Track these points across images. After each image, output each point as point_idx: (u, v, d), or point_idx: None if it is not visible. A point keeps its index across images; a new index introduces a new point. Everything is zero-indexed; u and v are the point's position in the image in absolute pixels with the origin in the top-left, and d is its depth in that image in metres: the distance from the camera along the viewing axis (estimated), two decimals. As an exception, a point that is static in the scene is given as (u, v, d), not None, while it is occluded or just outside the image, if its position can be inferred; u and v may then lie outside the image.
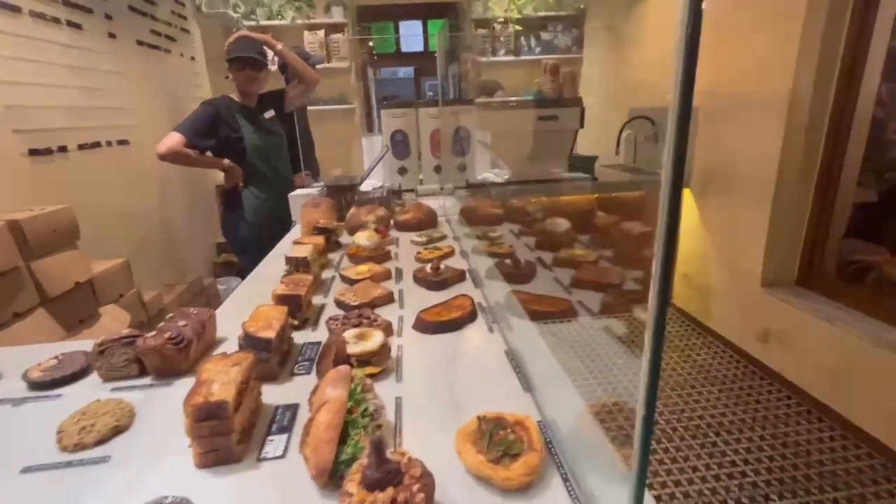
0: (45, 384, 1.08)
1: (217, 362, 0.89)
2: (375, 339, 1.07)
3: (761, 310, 2.70)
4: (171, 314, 1.20)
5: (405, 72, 8.46)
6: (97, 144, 2.77)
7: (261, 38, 2.69)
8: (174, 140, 2.38)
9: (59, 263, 2.00)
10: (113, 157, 2.92)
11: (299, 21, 5.03)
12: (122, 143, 3.00)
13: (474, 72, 4.71)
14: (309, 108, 4.35)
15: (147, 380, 1.09)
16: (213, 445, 0.80)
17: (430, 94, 7.52)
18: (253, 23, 4.81)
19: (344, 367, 0.94)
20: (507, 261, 1.79)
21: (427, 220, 2.33)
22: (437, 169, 3.17)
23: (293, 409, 0.95)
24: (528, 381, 1.00)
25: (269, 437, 0.88)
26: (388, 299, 1.45)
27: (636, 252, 1.95)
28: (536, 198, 2.97)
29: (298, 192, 2.63)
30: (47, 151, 2.37)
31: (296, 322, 1.30)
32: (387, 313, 1.35)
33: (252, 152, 2.70)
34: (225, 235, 2.90)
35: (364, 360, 1.04)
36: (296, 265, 1.53)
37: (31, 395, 1.05)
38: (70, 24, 2.65)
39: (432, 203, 2.50)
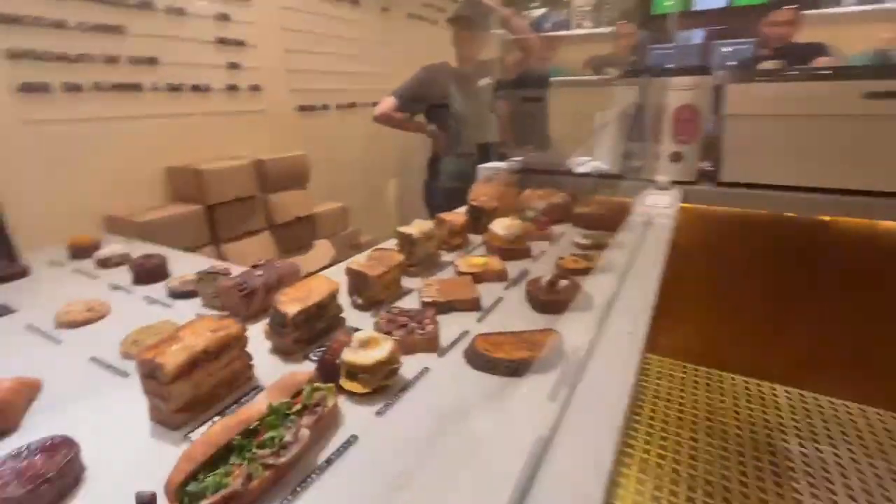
0: (175, 293, 1.31)
1: (203, 322, 0.87)
2: (377, 351, 0.86)
3: None
4: (262, 261, 1.27)
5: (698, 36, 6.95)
6: (353, 105, 3.27)
7: (487, 1, 2.58)
8: (387, 104, 2.57)
9: (288, 198, 2.47)
10: (363, 116, 3.41)
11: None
12: (375, 104, 3.47)
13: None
14: (553, 78, 4.07)
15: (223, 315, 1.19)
16: (153, 403, 0.79)
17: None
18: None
19: (297, 376, 0.79)
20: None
21: (611, 219, 1.83)
22: (676, 157, 2.48)
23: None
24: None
25: (216, 417, 0.81)
26: (470, 305, 1.18)
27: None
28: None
29: (490, 164, 2.49)
30: (312, 108, 2.93)
31: (360, 301, 1.20)
32: (455, 323, 1.11)
33: (457, 119, 2.69)
34: (424, 201, 3.05)
35: (352, 372, 0.85)
36: (401, 242, 1.42)
37: (161, 299, 1.30)
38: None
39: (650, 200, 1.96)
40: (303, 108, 2.89)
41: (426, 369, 0.94)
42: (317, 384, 0.79)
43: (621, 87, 2.61)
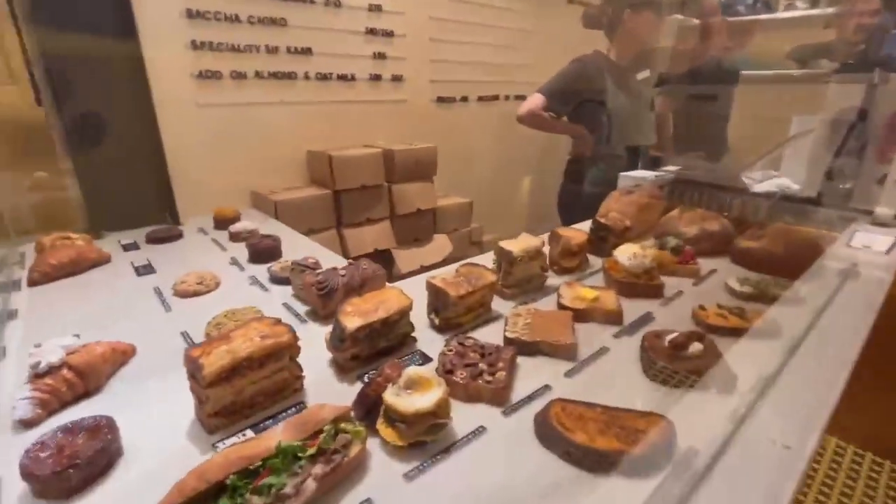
0: (275, 278, 1.35)
1: (258, 325, 0.83)
2: (424, 398, 0.72)
3: None
4: (352, 260, 1.22)
5: None
6: (496, 98, 3.13)
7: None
8: (534, 102, 2.33)
9: (412, 190, 2.47)
10: (505, 110, 3.25)
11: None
12: (518, 97, 3.28)
13: None
14: (746, 72, 3.35)
15: (305, 309, 1.18)
16: (195, 402, 0.77)
17: None
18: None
19: (322, 411, 0.69)
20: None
21: (790, 261, 1.39)
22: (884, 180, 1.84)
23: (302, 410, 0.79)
24: None
25: (245, 431, 0.76)
26: (563, 352, 0.96)
27: None
28: None
29: (635, 172, 2.13)
30: (451, 100, 2.88)
31: (437, 321, 1.07)
32: (538, 371, 0.91)
33: (609, 118, 2.35)
34: (558, 207, 2.78)
35: (391, 417, 0.73)
36: (498, 258, 1.24)
37: (262, 282, 1.35)
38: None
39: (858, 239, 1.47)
40: (441, 100, 2.86)
41: (482, 429, 0.76)
42: (343, 425, 0.69)
43: (839, 85, 2.00)
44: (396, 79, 2.60)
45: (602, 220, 1.54)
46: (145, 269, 1.43)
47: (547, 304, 1.20)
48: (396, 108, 2.66)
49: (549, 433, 0.73)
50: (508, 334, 0.99)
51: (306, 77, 2.26)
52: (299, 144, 2.33)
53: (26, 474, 0.63)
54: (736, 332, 1.04)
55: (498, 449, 0.73)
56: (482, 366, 0.87)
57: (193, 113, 1.98)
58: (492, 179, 3.32)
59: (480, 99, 3.07)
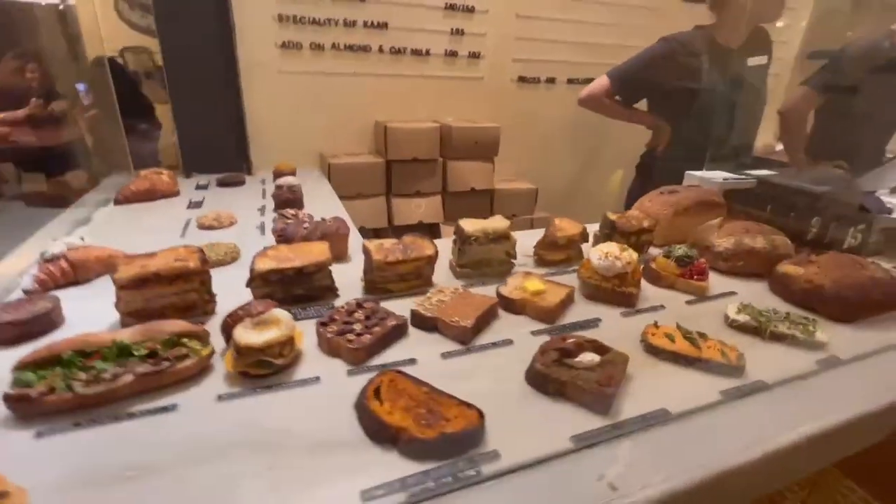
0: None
1: (178, 251, 0.96)
2: (260, 335, 0.78)
3: None
4: (327, 221, 1.30)
5: None
6: (589, 81, 2.88)
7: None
8: (596, 85, 2.13)
9: (468, 168, 2.46)
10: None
11: None
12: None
13: None
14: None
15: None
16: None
17: None
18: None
19: (164, 324, 0.79)
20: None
21: (843, 302, 1.07)
22: None
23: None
24: None
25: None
26: (456, 335, 0.92)
27: None
28: None
29: (701, 173, 1.81)
30: (534, 80, 2.75)
31: (362, 282, 1.10)
32: (424, 347, 0.90)
33: (701, 110, 2.03)
34: (626, 205, 2.49)
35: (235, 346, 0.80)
36: (456, 235, 1.20)
37: (266, 227, 1.52)
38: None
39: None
40: (522, 80, 2.75)
41: (316, 380, 0.79)
42: (187, 340, 0.78)
43: None
44: (473, 56, 2.58)
45: (610, 216, 1.37)
46: (195, 205, 1.72)
47: (485, 290, 1.13)
48: (471, 86, 2.65)
49: (360, 397, 0.72)
50: (413, 306, 0.98)
51: (380, 50, 2.39)
52: (369, 115, 2.48)
53: (-14, 322, 0.86)
54: (679, 359, 0.87)
55: (315, 400, 0.75)
56: (356, 326, 0.89)
57: (275, 79, 2.25)
58: (569, 168, 3.10)
59: (570, 81, 2.87)
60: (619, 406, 0.75)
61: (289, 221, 1.28)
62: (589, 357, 0.79)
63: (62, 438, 0.65)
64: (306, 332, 0.89)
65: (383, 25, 2.36)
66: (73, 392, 0.68)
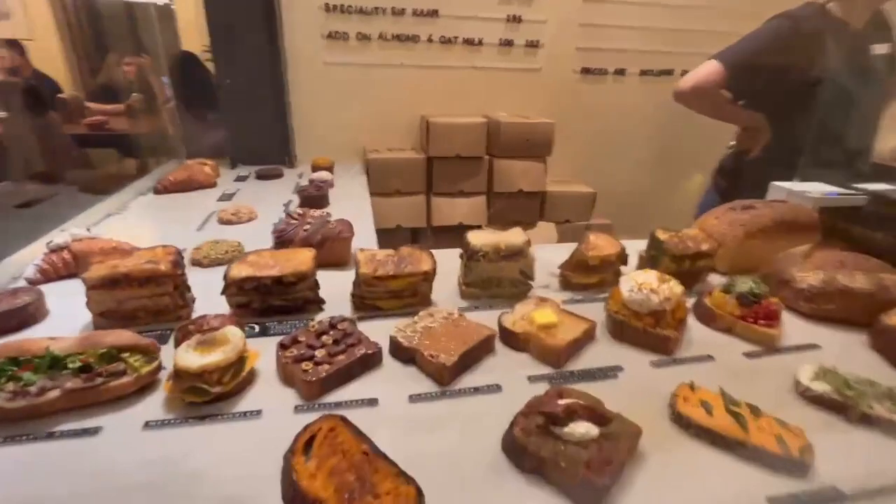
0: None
1: (151, 252, 0.91)
2: (197, 358, 0.69)
3: None
4: (331, 223, 1.21)
5: None
6: (667, 73, 2.55)
7: None
8: (705, 73, 1.65)
9: (517, 168, 2.27)
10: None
11: None
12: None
13: None
14: None
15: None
16: (92, 300, 0.91)
17: None
18: None
19: (105, 335, 0.72)
20: None
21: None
22: None
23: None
24: None
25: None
26: (433, 372, 0.77)
27: None
28: None
29: (790, 185, 1.47)
30: (601, 72, 2.47)
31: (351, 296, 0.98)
32: (397, 383, 0.77)
33: (818, 104, 1.64)
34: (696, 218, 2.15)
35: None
36: (462, 251, 1.04)
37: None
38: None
39: None
40: (587, 71, 2.48)
41: (256, 413, 0.69)
42: (128, 355, 0.72)
43: None
44: (531, 45, 2.37)
45: (659, 234, 1.14)
46: (226, 197, 1.72)
47: (484, 317, 0.96)
48: (527, 78, 2.43)
49: (290, 448, 0.61)
50: (392, 332, 0.84)
51: (429, 40, 2.26)
52: (415, 108, 2.37)
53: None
54: (716, 440, 0.66)
55: (247, 441, 0.65)
56: (318, 353, 0.77)
57: (321, 70, 2.21)
58: (636, 171, 2.76)
59: (644, 73, 2.54)
60: (616, 501, 0.57)
61: (293, 221, 1.20)
62: (582, 428, 0.61)
63: (-28, 455, 0.60)
64: (269, 353, 0.79)
65: (433, 13, 2.22)
66: (-4, 405, 0.63)
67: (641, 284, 0.89)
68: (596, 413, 0.63)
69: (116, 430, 0.65)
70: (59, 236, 1.10)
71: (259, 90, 2.04)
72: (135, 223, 1.45)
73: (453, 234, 2.09)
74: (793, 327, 0.97)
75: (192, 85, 2.60)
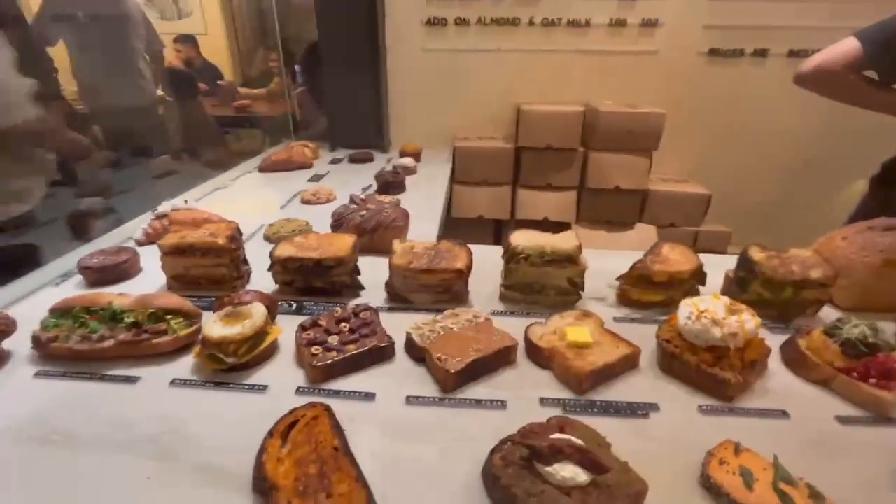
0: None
1: (221, 227, 1.01)
2: (220, 329, 0.75)
3: None
4: (387, 210, 1.22)
5: None
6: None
7: None
8: (839, 54, 1.37)
9: (615, 163, 2.07)
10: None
11: None
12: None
13: None
14: None
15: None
16: (170, 264, 1.04)
17: None
18: None
19: (155, 298, 0.82)
20: None
21: None
22: None
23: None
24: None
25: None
26: (438, 378, 0.73)
27: None
28: None
29: None
30: (735, 53, 2.11)
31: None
32: (394, 376, 0.76)
33: None
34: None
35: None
36: (504, 251, 0.97)
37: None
38: None
39: None
40: (715, 53, 2.12)
41: (262, 388, 0.73)
42: (172, 317, 0.80)
43: None
44: (648, 24, 2.09)
45: (753, 253, 0.94)
46: (317, 178, 1.85)
47: (509, 324, 0.87)
48: (641, 62, 2.17)
49: (269, 431, 0.62)
50: (409, 329, 0.82)
51: (531, 23, 2.13)
52: (511, 96, 2.27)
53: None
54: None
55: (246, 413, 0.69)
56: (332, 339, 0.79)
57: (419, 57, 2.23)
58: (774, 173, 2.30)
59: (793, 54, 2.10)
60: (589, 567, 0.48)
61: (352, 206, 1.24)
62: (568, 472, 0.53)
63: (45, 384, 0.73)
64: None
65: (537, -6, 2.10)
66: (65, 347, 0.76)
67: (703, 312, 0.74)
68: (588, 457, 0.54)
69: (149, 382, 0.74)
70: (162, 206, 1.28)
71: (359, 76, 2.14)
72: (234, 198, 1.63)
73: (539, 230, 2.00)
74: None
75: (317, 73, 2.84)
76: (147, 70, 2.23)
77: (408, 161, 1.90)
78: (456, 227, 2.19)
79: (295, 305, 0.96)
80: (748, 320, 0.73)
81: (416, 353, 0.79)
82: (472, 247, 1.02)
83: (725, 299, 0.77)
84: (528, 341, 0.81)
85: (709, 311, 0.74)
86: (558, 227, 2.14)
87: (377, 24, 2.03)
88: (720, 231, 2.23)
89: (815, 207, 2.42)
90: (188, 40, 3.82)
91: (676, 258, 0.97)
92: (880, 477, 0.59)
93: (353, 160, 2.11)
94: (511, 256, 0.94)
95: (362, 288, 1.01)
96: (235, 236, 0.99)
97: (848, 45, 1.36)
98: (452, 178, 2.16)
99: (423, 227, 1.39)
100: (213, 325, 0.75)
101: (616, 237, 2.16)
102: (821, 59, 1.39)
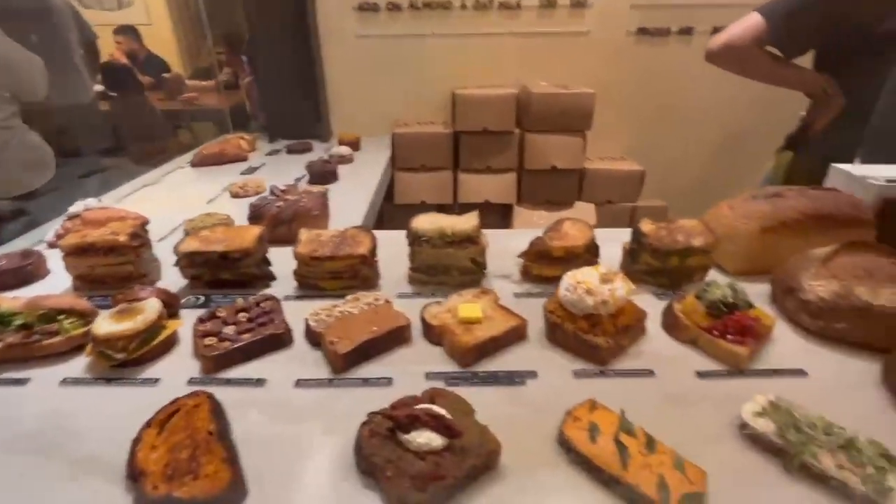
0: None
1: (121, 224, 1.00)
2: (105, 325, 0.75)
3: None
4: (304, 200, 1.22)
5: None
6: (746, 29, 2.15)
7: None
8: (743, 30, 1.44)
9: (551, 143, 2.11)
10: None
11: None
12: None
13: None
14: None
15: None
16: (75, 264, 1.02)
17: None
18: None
19: (49, 298, 0.81)
20: None
21: None
22: None
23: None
24: None
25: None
26: (331, 359, 0.76)
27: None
28: None
29: (853, 168, 1.18)
30: (661, 32, 2.17)
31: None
32: (290, 363, 0.78)
33: None
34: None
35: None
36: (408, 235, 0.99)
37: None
38: None
39: None
40: (643, 32, 2.18)
41: (154, 381, 0.74)
42: (64, 318, 0.80)
43: None
44: (578, 4, 2.13)
45: (642, 225, 0.99)
46: (251, 171, 1.83)
47: (407, 304, 0.90)
48: (571, 43, 2.21)
49: (147, 421, 0.64)
50: (307, 315, 0.84)
51: (462, 6, 2.14)
52: (447, 81, 2.28)
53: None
54: (593, 472, 0.57)
55: (132, 406, 0.69)
56: (228, 329, 0.80)
57: (354, 44, 2.21)
58: (704, 147, 2.40)
59: (717, 31, 2.16)
60: (441, 524, 0.52)
61: (270, 198, 1.24)
62: (423, 438, 0.57)
63: (-72, 392, 0.72)
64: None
65: (468, -24, 2.10)
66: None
67: (579, 283, 0.79)
68: (442, 423, 0.57)
69: (39, 382, 0.74)
70: (75, 206, 1.25)
71: (292, 65, 2.10)
72: (161, 194, 1.60)
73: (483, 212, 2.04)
74: (786, 347, 0.80)
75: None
76: (81, 63, 2.13)
77: (343, 150, 1.90)
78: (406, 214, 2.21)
79: (203, 299, 0.96)
80: (619, 288, 0.78)
81: (313, 338, 0.82)
82: (385, 232, 1.04)
83: (602, 269, 0.82)
84: (422, 320, 0.84)
85: (585, 281, 0.79)
86: (501, 208, 2.20)
87: (306, 11, 2.00)
88: (657, 206, 2.32)
89: (745, 178, 2.54)
90: (129, 31, 3.66)
91: (574, 234, 1.01)
92: (724, 424, 0.65)
93: (290, 151, 2.09)
94: (413, 239, 0.97)
95: (273, 278, 1.02)
96: (138, 233, 0.99)
97: (752, 20, 1.43)
98: (393, 165, 2.17)
99: (351, 216, 1.40)
100: (102, 323, 0.76)
101: (556, 216, 2.19)
102: (727, 36, 1.47)
